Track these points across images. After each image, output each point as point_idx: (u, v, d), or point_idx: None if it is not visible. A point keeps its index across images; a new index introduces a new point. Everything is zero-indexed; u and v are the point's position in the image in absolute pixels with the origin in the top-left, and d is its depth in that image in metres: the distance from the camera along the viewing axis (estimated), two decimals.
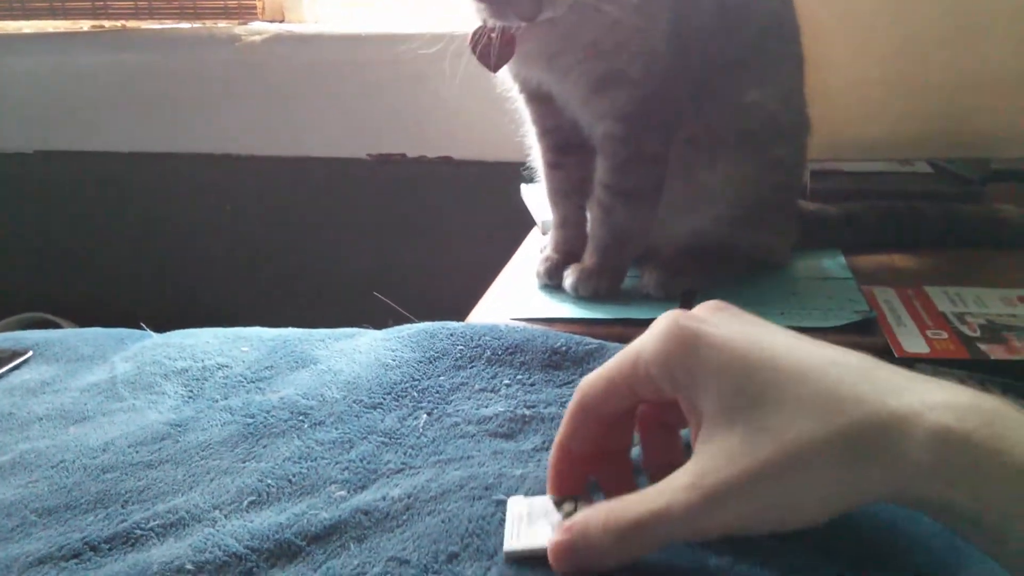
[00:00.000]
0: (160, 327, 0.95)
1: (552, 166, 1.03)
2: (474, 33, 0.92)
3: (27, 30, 1.79)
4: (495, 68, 0.94)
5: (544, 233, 1.14)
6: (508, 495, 0.60)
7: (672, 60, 0.91)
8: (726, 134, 0.96)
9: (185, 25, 1.71)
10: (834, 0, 1.15)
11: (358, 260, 1.72)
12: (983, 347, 0.81)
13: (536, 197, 1.19)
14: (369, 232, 1.71)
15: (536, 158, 1.06)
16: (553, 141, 1.02)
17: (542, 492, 0.61)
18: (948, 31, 1.16)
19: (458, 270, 1.29)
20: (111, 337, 0.92)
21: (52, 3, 1.77)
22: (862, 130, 1.20)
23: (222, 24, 1.69)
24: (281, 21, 1.69)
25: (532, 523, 0.57)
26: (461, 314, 0.98)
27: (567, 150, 1.01)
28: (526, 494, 0.61)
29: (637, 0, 0.87)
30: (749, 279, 1.00)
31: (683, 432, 0.59)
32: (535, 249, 1.12)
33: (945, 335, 0.83)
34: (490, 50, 0.91)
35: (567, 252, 1.02)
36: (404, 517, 0.60)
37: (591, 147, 0.98)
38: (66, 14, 1.77)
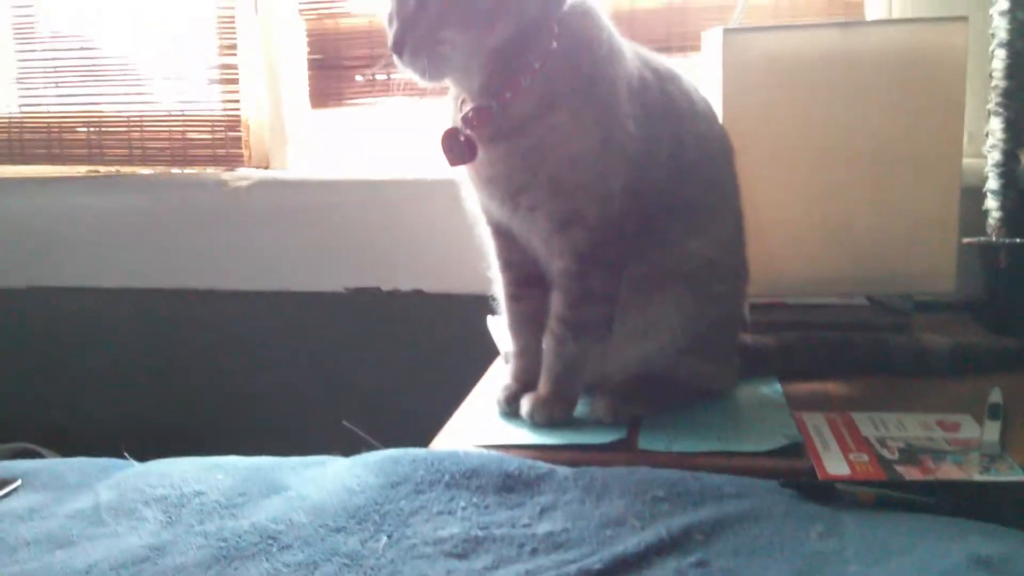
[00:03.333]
0: (143, 455, 1.01)
1: (513, 298, 1.11)
2: (446, 133, 1.02)
3: (25, 174, 1.89)
4: (454, 164, 1.03)
5: (507, 362, 1.21)
6: None
7: (625, 206, 1.01)
8: (671, 274, 1.06)
9: (176, 170, 1.82)
10: (764, 149, 1.25)
11: (332, 388, 1.78)
12: (900, 469, 0.88)
13: (500, 328, 1.25)
14: (344, 361, 1.78)
15: (499, 290, 1.13)
16: (515, 275, 1.10)
17: None
18: (870, 176, 1.26)
19: (426, 397, 1.35)
20: (95, 466, 0.98)
21: (51, 150, 1.89)
22: (796, 269, 1.29)
23: (210, 170, 1.80)
24: (266, 167, 1.81)
25: None
26: (428, 438, 1.04)
27: (528, 283, 1.09)
28: None
29: (597, 145, 0.98)
30: (692, 406, 1.07)
31: None
32: (498, 377, 1.19)
33: (866, 458, 0.91)
34: (454, 148, 1.01)
35: (526, 381, 1.09)
36: None
37: (550, 282, 1.06)
38: (64, 160, 1.88)
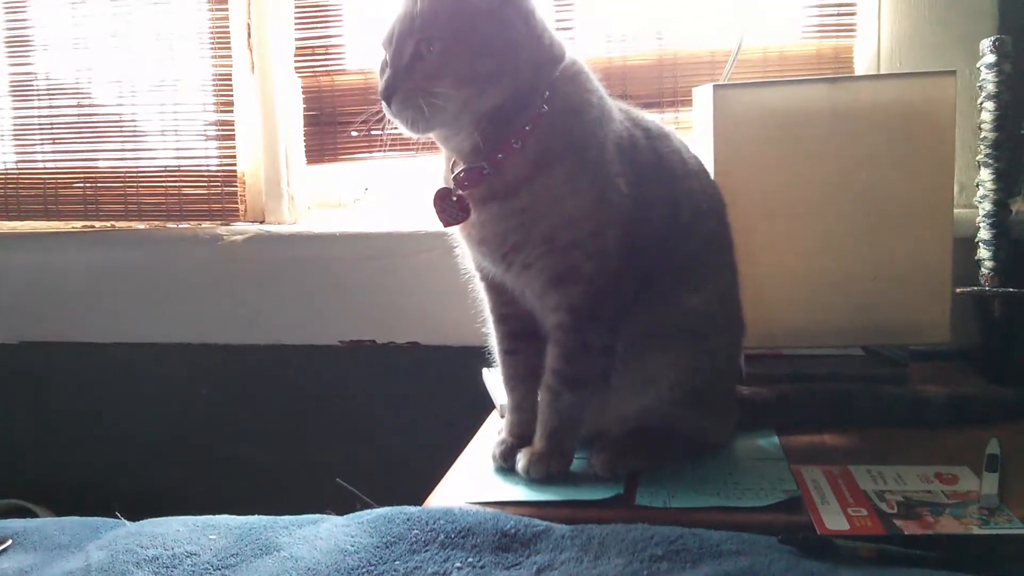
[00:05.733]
0: (135, 511, 1.00)
1: (508, 352, 1.11)
2: (437, 194, 1.02)
3: (20, 230, 1.90)
4: (447, 225, 1.04)
5: (502, 416, 1.21)
6: None
7: (621, 262, 1.02)
8: (668, 329, 1.05)
9: (171, 225, 1.83)
10: (757, 202, 1.26)
11: (327, 442, 1.77)
12: (899, 523, 0.87)
13: (496, 381, 1.25)
14: (339, 414, 1.77)
15: (494, 344, 1.13)
16: (509, 328, 1.10)
17: None
18: (862, 228, 1.27)
19: (421, 450, 1.34)
20: (87, 526, 0.97)
21: (47, 205, 1.90)
22: (791, 320, 1.29)
23: (206, 225, 1.81)
24: (262, 222, 1.82)
25: None
26: (423, 493, 1.03)
27: (522, 337, 1.09)
28: None
29: (591, 205, 0.99)
30: (690, 460, 1.07)
31: None
32: (494, 431, 1.18)
33: (865, 512, 0.90)
34: (447, 208, 1.02)
35: (520, 435, 1.09)
36: None
37: (544, 335, 1.06)
38: (59, 216, 1.89)
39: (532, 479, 1.02)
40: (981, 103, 1.36)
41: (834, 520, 0.88)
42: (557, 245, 0.99)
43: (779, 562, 0.80)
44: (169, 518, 0.97)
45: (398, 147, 1.62)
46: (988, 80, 1.34)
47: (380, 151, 1.72)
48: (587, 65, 1.05)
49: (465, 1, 0.94)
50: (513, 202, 0.99)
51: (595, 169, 0.99)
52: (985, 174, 1.36)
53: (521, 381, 1.10)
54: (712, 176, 1.18)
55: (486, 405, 1.31)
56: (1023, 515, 0.87)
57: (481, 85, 0.95)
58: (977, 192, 1.38)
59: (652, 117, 1.12)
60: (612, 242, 1.01)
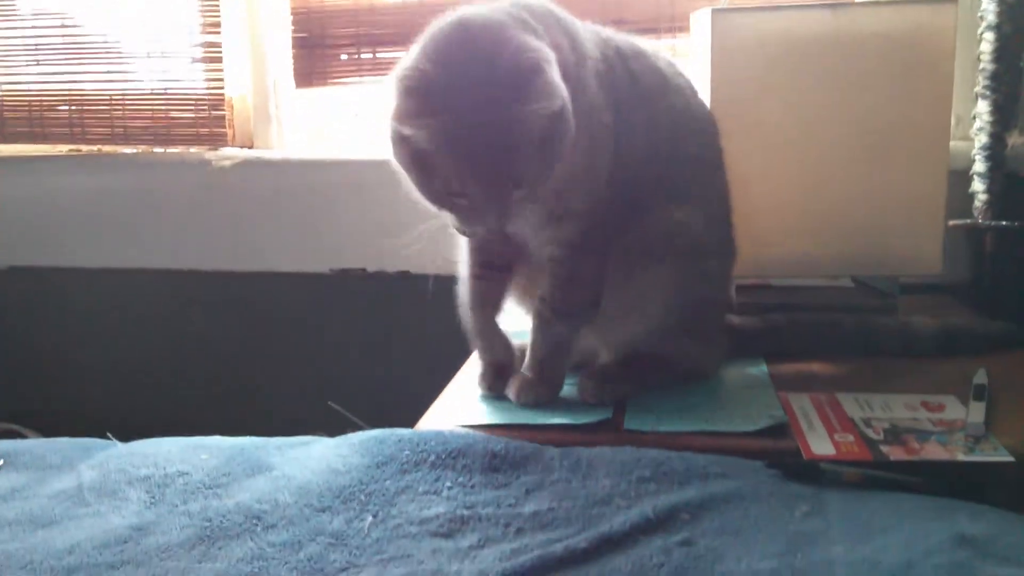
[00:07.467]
0: (126, 435, 1.00)
1: (476, 277, 1.10)
2: None
3: (6, 153, 1.87)
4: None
5: None
6: None
7: (612, 192, 1.01)
8: (656, 248, 1.05)
9: (159, 150, 1.80)
10: (752, 129, 1.25)
11: (318, 369, 1.78)
12: (885, 449, 0.88)
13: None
14: (329, 342, 1.77)
15: (463, 270, 1.12)
16: (482, 257, 1.10)
17: None
18: (857, 158, 1.26)
19: (411, 377, 1.35)
20: (78, 446, 0.98)
21: (32, 128, 1.87)
22: (783, 250, 1.29)
23: (194, 150, 1.78)
24: (250, 147, 1.80)
25: None
26: (414, 419, 1.04)
27: (491, 266, 1.10)
28: None
29: (587, 144, 0.96)
30: (678, 387, 1.08)
31: None
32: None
33: (851, 438, 0.91)
34: None
35: (492, 361, 1.09)
36: None
37: (512, 268, 1.08)
38: (45, 138, 1.86)
39: (522, 404, 1.03)
40: (981, 34, 1.34)
41: (820, 445, 0.89)
42: (554, 188, 0.98)
43: (765, 485, 0.81)
44: (160, 439, 0.98)
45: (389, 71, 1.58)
46: (989, 11, 1.32)
47: (372, 75, 1.68)
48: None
49: None
50: None
51: (584, 114, 0.95)
52: (982, 106, 1.35)
53: (483, 306, 1.10)
54: (709, 102, 1.16)
55: None
56: (1008, 444, 0.88)
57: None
58: (974, 124, 1.37)
59: (626, 36, 1.09)
60: (603, 178, 1.00)
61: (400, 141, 0.89)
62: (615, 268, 1.04)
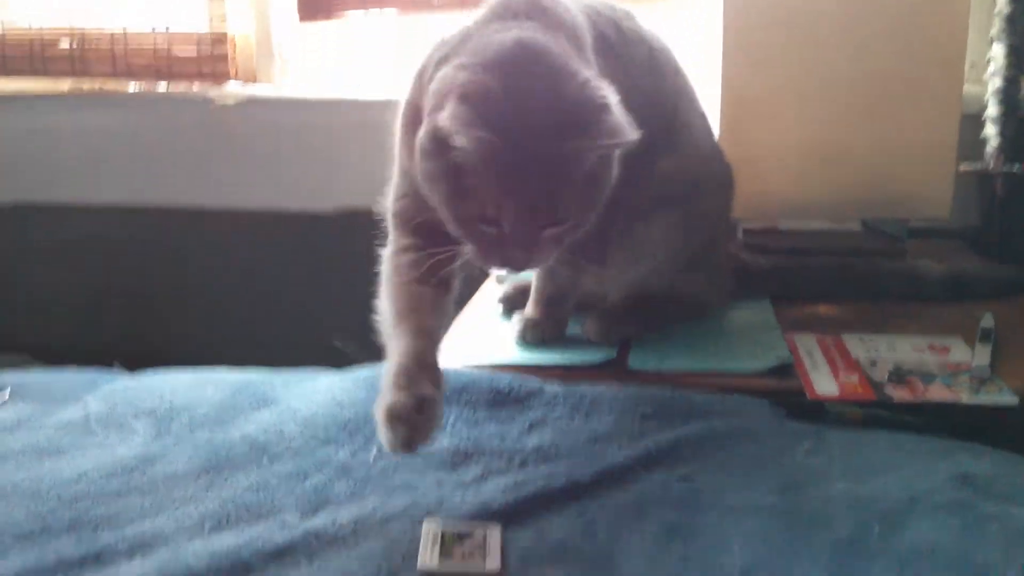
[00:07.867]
0: (133, 367, 1.01)
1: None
2: None
3: (7, 87, 1.85)
4: None
5: (499, 283, 1.21)
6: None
7: None
8: (652, 201, 1.03)
9: (161, 85, 1.78)
10: (766, 74, 1.23)
11: (322, 306, 1.78)
12: (889, 390, 0.88)
13: None
14: (334, 281, 1.77)
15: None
16: None
17: (480, 518, 0.69)
18: (869, 101, 1.25)
19: None
20: (84, 378, 0.98)
21: (33, 63, 1.84)
22: (791, 193, 1.28)
23: (196, 87, 1.76)
24: (253, 81, 1.77)
25: (442, 543, 0.65)
26: None
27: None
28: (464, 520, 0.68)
29: None
30: (683, 327, 1.07)
31: None
32: (489, 297, 1.20)
33: (856, 378, 0.91)
34: None
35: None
36: (351, 539, 0.67)
37: None
38: (46, 73, 1.84)
39: (527, 343, 1.03)
40: None
41: (825, 385, 0.90)
42: None
43: (768, 423, 0.82)
44: (167, 371, 0.98)
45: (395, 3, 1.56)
46: None
47: (379, 6, 1.65)
48: None
49: None
50: None
51: None
52: (997, 49, 1.33)
53: None
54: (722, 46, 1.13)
55: (480, 273, 1.31)
56: (1014, 386, 0.88)
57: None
58: (987, 68, 1.35)
59: None
60: None
61: (437, 150, 0.81)
62: (616, 223, 1.02)
